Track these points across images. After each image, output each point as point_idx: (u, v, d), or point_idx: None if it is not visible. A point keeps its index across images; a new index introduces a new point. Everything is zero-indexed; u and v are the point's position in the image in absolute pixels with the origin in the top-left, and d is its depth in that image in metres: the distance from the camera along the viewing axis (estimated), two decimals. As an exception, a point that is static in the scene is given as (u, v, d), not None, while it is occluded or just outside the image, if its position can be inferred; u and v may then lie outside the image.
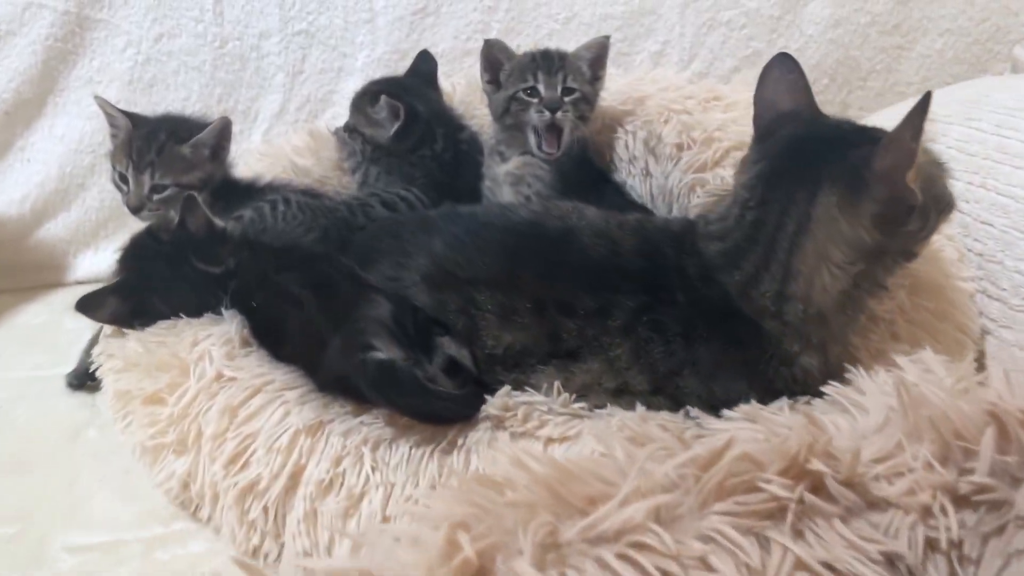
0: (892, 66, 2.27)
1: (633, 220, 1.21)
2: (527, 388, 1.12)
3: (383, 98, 1.62)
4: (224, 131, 1.57)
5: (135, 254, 1.35)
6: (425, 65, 1.81)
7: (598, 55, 1.68)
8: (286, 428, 1.09)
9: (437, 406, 1.03)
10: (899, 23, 2.23)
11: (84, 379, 1.62)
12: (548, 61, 1.64)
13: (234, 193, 1.63)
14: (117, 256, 1.37)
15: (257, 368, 1.17)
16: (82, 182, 2.11)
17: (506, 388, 1.10)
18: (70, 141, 2.08)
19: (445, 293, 1.16)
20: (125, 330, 1.32)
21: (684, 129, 1.61)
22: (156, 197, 1.54)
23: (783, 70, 1.19)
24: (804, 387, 1.04)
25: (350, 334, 1.08)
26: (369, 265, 1.26)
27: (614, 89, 1.78)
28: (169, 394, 1.17)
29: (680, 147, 1.60)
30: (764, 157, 1.12)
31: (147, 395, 1.18)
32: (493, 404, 1.08)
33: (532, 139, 1.62)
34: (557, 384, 1.10)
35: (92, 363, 1.59)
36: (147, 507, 1.20)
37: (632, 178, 1.70)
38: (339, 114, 2.11)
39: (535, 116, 1.60)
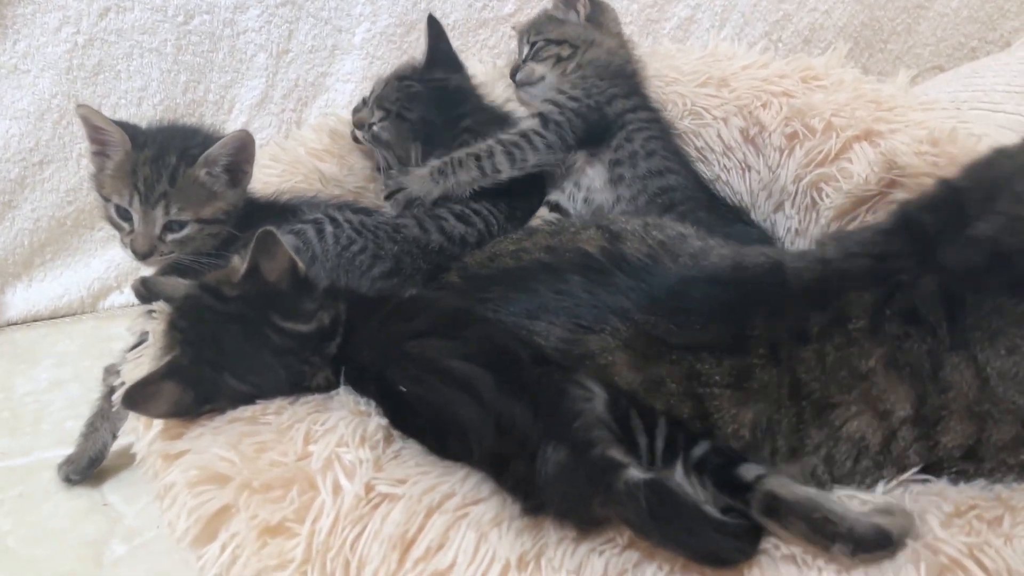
0: (912, 27, 2.19)
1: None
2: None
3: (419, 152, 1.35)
4: (242, 148, 1.22)
5: (191, 319, 1.01)
6: (444, 43, 1.50)
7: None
8: (490, 561, 0.81)
9: (724, 544, 0.77)
10: (922, -20, 2.14)
11: (88, 470, 1.30)
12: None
13: (252, 214, 1.29)
14: (163, 326, 1.02)
15: (422, 477, 0.88)
16: (9, 199, 1.73)
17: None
18: (-9, 149, 1.69)
19: (659, 367, 0.91)
20: (192, 426, 0.98)
21: (794, 115, 1.41)
22: (170, 237, 1.20)
23: None
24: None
25: (578, 446, 0.81)
26: (529, 320, 0.98)
27: (686, 69, 1.54)
28: (298, 521, 0.86)
29: (792, 136, 1.40)
30: None
31: (267, 526, 0.87)
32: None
33: None
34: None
35: (99, 448, 1.29)
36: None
37: (727, 172, 1.48)
38: (333, 101, 1.80)
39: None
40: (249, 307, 0.99)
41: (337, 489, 0.88)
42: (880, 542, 0.76)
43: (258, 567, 0.87)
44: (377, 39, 1.80)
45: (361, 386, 0.97)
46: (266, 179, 1.46)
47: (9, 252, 1.73)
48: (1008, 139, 1.31)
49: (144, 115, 1.70)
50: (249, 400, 0.99)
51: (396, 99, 1.39)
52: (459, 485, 0.88)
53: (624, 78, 1.45)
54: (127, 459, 1.28)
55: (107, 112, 1.67)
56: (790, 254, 1.00)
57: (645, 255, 0.99)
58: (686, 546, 0.77)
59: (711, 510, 0.79)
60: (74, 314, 1.77)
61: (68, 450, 1.35)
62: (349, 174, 1.47)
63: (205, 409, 0.99)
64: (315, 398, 1.00)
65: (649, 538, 0.78)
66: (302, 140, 1.51)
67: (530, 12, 1.84)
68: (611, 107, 1.39)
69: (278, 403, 0.99)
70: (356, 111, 1.51)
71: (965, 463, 0.85)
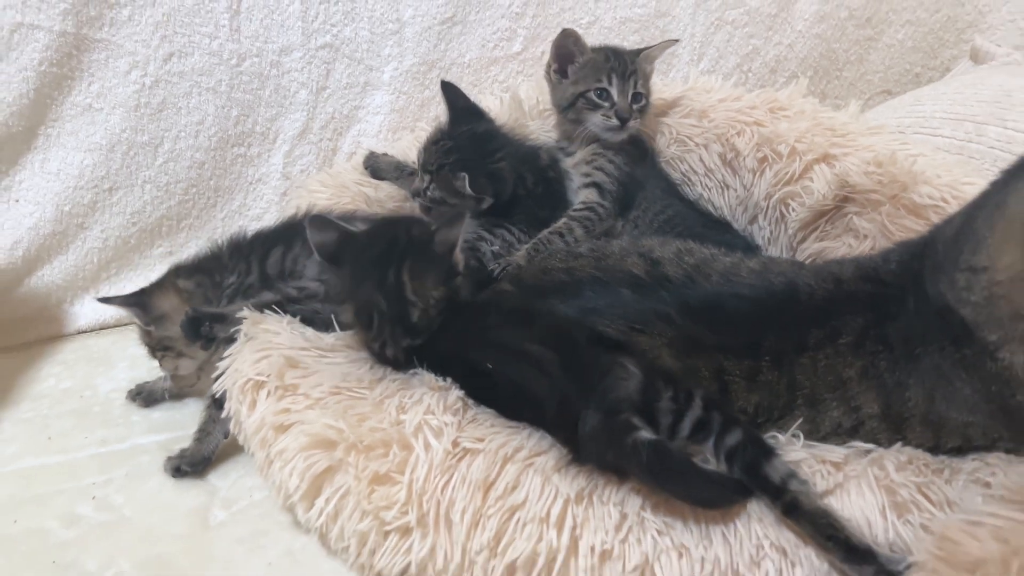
0: (863, 56, 2.47)
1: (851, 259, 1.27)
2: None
3: (466, 181, 1.54)
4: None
5: None
6: (461, 100, 1.68)
7: (661, 56, 1.74)
8: (554, 497, 1.06)
9: (713, 493, 1.02)
10: (871, 16, 2.42)
11: (201, 467, 1.45)
12: (622, 63, 1.64)
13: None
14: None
15: (495, 435, 1.13)
16: (82, 222, 1.90)
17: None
18: (67, 177, 1.85)
19: (695, 360, 1.16)
20: (297, 403, 1.22)
21: (763, 141, 1.67)
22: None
23: None
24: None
25: (608, 412, 1.05)
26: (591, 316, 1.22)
27: (672, 100, 1.81)
28: (399, 472, 1.11)
29: (763, 160, 1.66)
30: None
31: (376, 476, 1.11)
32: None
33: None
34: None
35: (213, 447, 1.45)
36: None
37: (708, 191, 1.74)
38: (364, 131, 2.02)
39: (600, 120, 1.62)
40: None
41: (428, 447, 1.10)
42: (866, 557, 0.96)
43: (368, 508, 1.10)
44: (403, 76, 2.00)
45: (441, 370, 1.21)
46: (316, 201, 1.70)
47: (80, 268, 1.90)
48: (944, 159, 1.60)
49: (200, 146, 1.91)
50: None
51: (435, 159, 1.58)
52: (526, 441, 1.11)
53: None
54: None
55: (168, 144, 1.91)
56: (809, 271, 1.23)
57: (683, 276, 1.24)
58: (681, 493, 1.01)
59: (705, 466, 1.03)
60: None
61: (160, 436, 1.54)
62: (387, 198, 1.71)
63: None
64: (400, 377, 1.24)
65: (649, 486, 1.01)
66: (343, 171, 1.76)
67: (534, 51, 2.08)
68: (633, 170, 1.63)
69: (369, 379, 1.23)
70: (367, 162, 1.75)
71: None
